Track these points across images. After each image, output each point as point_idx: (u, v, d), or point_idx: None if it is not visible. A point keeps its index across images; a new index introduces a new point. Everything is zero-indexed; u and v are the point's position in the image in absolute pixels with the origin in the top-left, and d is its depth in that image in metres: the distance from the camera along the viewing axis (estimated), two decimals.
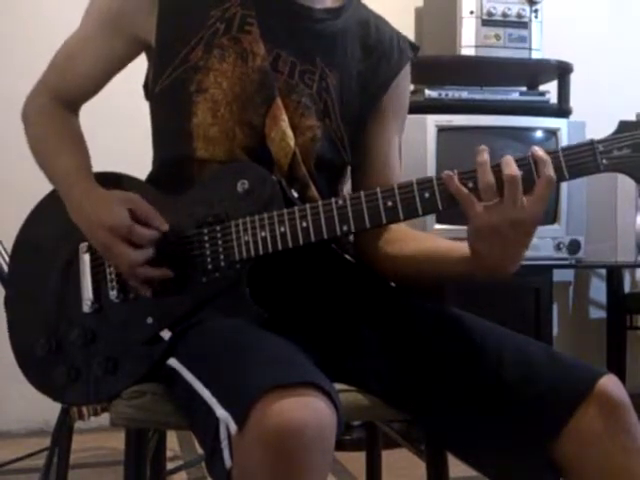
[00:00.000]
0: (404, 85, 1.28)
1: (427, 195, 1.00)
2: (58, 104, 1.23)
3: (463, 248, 1.04)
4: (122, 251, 1.06)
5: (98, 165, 1.20)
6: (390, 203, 1.01)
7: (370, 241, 1.20)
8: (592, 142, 0.97)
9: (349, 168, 1.27)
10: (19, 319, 1.20)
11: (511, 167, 0.96)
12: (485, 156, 0.98)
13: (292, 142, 1.14)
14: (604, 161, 0.97)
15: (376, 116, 1.24)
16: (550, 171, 0.96)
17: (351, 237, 1.23)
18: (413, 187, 1.01)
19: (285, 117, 1.13)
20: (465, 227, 1.02)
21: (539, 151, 0.98)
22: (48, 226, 1.21)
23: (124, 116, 2.46)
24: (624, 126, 0.98)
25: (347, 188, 1.30)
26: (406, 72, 1.27)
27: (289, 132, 1.14)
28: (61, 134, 1.21)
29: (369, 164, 1.25)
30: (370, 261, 1.22)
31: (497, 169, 0.98)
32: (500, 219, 0.97)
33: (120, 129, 2.65)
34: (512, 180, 0.96)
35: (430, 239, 1.18)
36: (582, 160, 0.97)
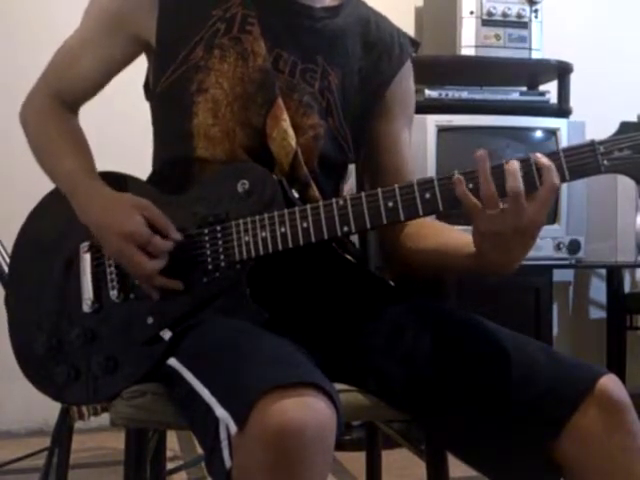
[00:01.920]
0: (407, 81, 1.28)
1: (428, 196, 1.00)
2: (57, 104, 1.23)
3: (471, 245, 1.04)
4: (139, 260, 1.05)
5: (98, 165, 1.20)
6: (391, 204, 1.01)
7: (395, 238, 1.21)
8: (593, 143, 0.97)
9: (350, 167, 1.27)
10: (20, 318, 1.20)
11: (515, 179, 0.94)
12: (486, 165, 0.96)
13: (293, 142, 1.14)
14: (605, 162, 0.96)
15: (382, 113, 1.24)
16: (554, 178, 0.95)
17: (353, 237, 1.23)
18: (414, 188, 1.01)
19: (286, 117, 1.13)
20: (465, 227, 1.02)
21: (542, 158, 0.96)
22: (49, 225, 1.21)
23: (123, 116, 2.46)
24: (625, 127, 0.97)
25: (347, 188, 1.30)
26: (408, 68, 1.27)
27: (290, 132, 1.14)
28: (62, 135, 1.21)
29: (380, 162, 1.26)
30: (394, 256, 1.24)
31: (499, 172, 0.96)
32: (504, 227, 0.96)
33: (119, 129, 2.65)
34: (515, 195, 0.94)
35: (444, 234, 1.17)
36: (583, 161, 0.97)
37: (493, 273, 1.05)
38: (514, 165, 0.95)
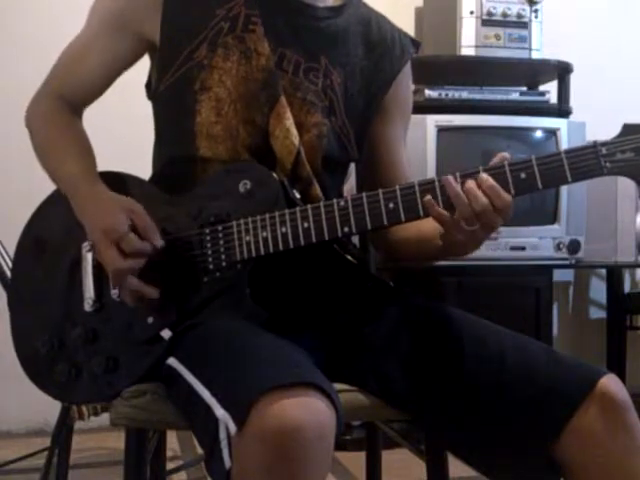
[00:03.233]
0: (407, 82, 1.29)
1: (428, 197, 1.00)
2: (62, 107, 1.22)
3: (437, 238, 1.07)
4: (109, 255, 1.05)
5: (100, 164, 1.20)
6: (392, 205, 1.01)
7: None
8: (595, 145, 0.96)
9: (350, 167, 1.28)
10: (22, 318, 1.19)
11: (478, 199, 0.97)
12: (458, 189, 0.98)
13: (296, 140, 1.14)
14: (607, 164, 0.96)
15: (381, 113, 1.25)
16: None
17: (354, 238, 1.24)
18: (415, 189, 1.01)
19: (290, 115, 1.14)
20: None
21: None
22: (51, 226, 1.20)
23: (126, 115, 2.46)
24: (627, 129, 0.97)
25: (347, 187, 1.30)
26: (408, 69, 1.28)
27: (293, 130, 1.14)
28: (66, 138, 1.20)
29: (378, 161, 1.26)
30: (378, 246, 1.30)
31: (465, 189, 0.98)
32: (474, 237, 1.00)
33: (122, 128, 2.65)
34: (485, 210, 0.97)
35: (417, 225, 1.18)
36: (585, 163, 0.96)
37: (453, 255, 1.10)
38: (472, 185, 0.98)
